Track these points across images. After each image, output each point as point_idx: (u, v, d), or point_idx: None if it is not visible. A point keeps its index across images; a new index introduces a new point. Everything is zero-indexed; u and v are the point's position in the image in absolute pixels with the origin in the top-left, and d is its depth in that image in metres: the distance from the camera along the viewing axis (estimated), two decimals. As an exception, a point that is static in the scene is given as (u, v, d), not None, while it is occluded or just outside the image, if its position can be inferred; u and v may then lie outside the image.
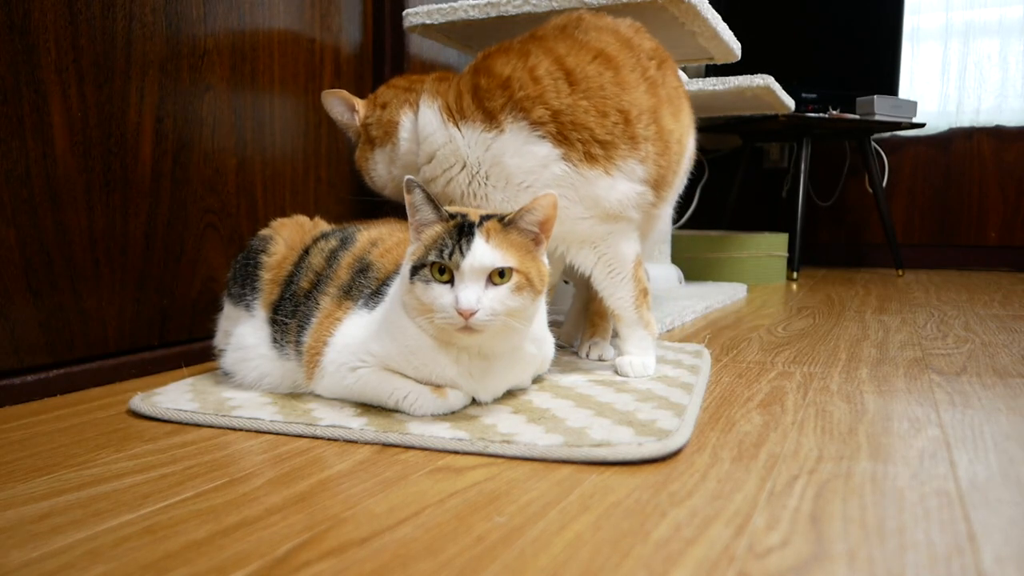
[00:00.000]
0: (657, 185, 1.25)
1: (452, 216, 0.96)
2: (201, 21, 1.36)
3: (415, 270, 0.94)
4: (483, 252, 0.91)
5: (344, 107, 1.33)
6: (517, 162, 1.18)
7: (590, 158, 1.18)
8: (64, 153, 1.15)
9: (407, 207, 0.97)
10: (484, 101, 1.18)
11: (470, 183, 1.21)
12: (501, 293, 0.92)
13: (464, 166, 1.21)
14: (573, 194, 1.19)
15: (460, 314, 0.90)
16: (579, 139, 1.17)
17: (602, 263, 1.25)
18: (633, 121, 1.19)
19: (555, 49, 1.20)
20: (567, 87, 1.17)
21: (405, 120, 1.27)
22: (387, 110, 1.29)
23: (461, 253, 0.91)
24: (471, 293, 0.90)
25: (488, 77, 1.19)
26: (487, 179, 1.20)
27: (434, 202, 0.96)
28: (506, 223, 0.95)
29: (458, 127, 1.20)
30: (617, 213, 1.21)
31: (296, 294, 1.11)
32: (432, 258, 0.92)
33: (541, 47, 1.21)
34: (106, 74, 1.20)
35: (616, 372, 1.24)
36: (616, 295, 1.25)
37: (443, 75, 1.29)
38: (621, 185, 1.20)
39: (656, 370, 1.24)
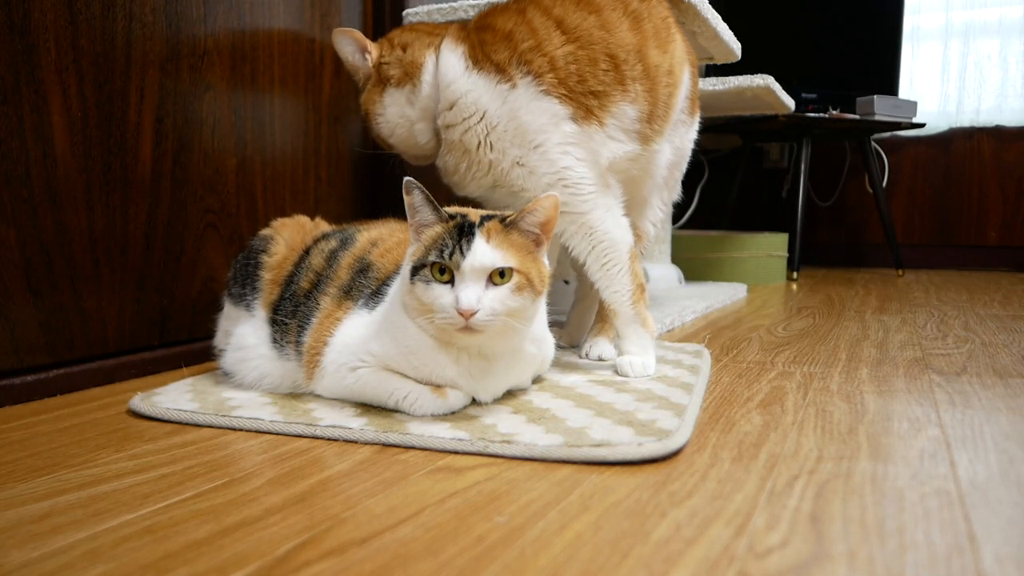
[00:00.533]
0: (648, 119, 1.27)
1: (452, 217, 0.96)
2: (201, 21, 1.36)
3: (415, 270, 0.94)
4: (483, 252, 0.91)
5: (355, 47, 1.31)
6: (530, 119, 1.20)
7: (587, 112, 1.21)
8: (64, 153, 1.15)
9: (407, 208, 0.97)
10: (491, 54, 1.21)
11: (488, 134, 1.23)
12: (501, 293, 0.92)
13: (483, 117, 1.22)
14: (581, 152, 1.22)
15: (460, 314, 0.90)
16: (580, 92, 1.20)
17: (596, 252, 1.25)
18: (621, 64, 1.22)
19: (542, 1, 1.24)
20: (560, 35, 1.21)
21: (429, 63, 1.26)
22: (409, 51, 1.28)
23: (461, 253, 0.91)
24: (471, 293, 0.90)
25: (492, 32, 1.23)
26: (505, 133, 1.22)
27: (433, 203, 0.96)
28: (507, 224, 0.95)
29: (479, 75, 1.22)
30: (604, 173, 1.25)
31: (296, 294, 1.11)
32: (432, 258, 0.92)
33: (531, 2, 1.25)
34: (106, 74, 1.20)
35: (616, 372, 1.23)
36: (612, 288, 1.26)
37: (464, 25, 1.30)
38: (612, 144, 1.24)
39: (656, 370, 1.24)
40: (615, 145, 1.25)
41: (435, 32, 1.30)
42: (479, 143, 1.23)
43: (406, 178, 0.96)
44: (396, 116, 1.30)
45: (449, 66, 1.23)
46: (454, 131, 1.25)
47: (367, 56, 1.31)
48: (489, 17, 1.26)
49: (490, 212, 0.99)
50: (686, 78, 1.37)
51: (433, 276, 0.92)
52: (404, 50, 1.29)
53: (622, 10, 1.24)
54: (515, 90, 1.20)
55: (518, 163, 1.23)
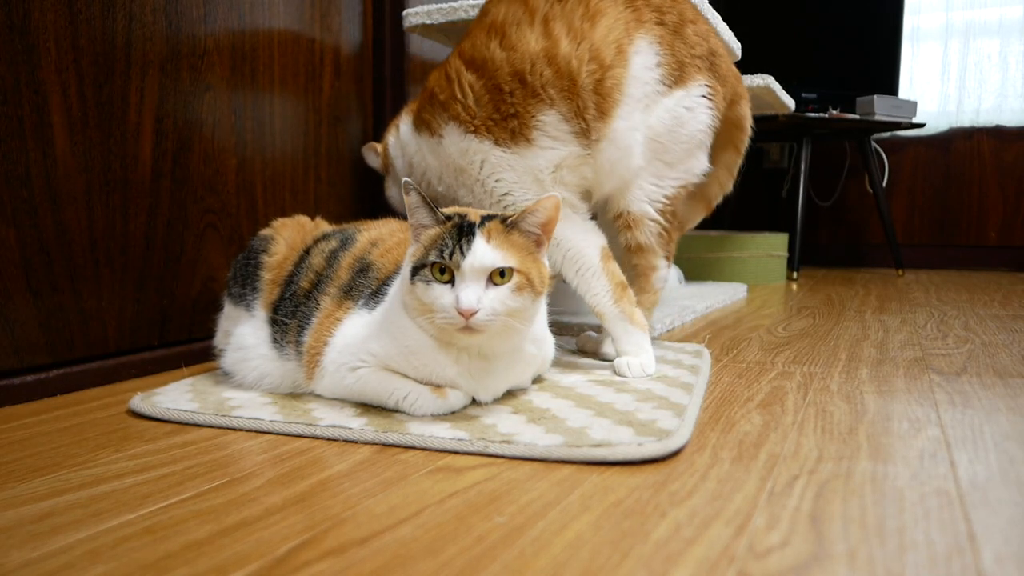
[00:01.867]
0: (577, 115, 1.23)
1: (449, 218, 0.96)
2: (201, 21, 1.36)
3: (415, 271, 0.94)
4: (484, 252, 0.91)
5: (374, 154, 1.51)
6: (461, 160, 1.28)
7: (512, 134, 1.24)
8: (64, 153, 1.15)
9: (407, 209, 0.97)
10: (423, 115, 1.33)
11: (438, 184, 1.34)
12: (502, 293, 0.92)
13: (432, 169, 1.35)
14: (515, 175, 1.26)
15: (461, 314, 0.90)
16: (498, 120, 1.24)
17: (567, 260, 1.27)
18: (527, 76, 1.22)
19: (462, 43, 1.30)
20: (469, 73, 1.25)
21: (391, 139, 1.44)
22: (383, 140, 1.48)
23: (462, 253, 0.91)
24: (472, 293, 0.90)
25: (424, 93, 1.34)
26: (452, 177, 1.32)
27: (431, 205, 0.96)
28: (508, 224, 0.95)
29: (420, 137, 1.35)
30: (551, 184, 1.27)
31: (296, 294, 1.11)
32: (432, 258, 0.92)
33: (457, 47, 1.31)
34: (106, 74, 1.20)
35: (615, 372, 1.23)
36: (591, 291, 1.27)
37: (422, 92, 1.41)
38: (548, 153, 1.25)
39: (656, 369, 1.24)
40: (551, 153, 1.25)
41: (401, 112, 1.45)
42: (441, 190, 1.36)
43: (404, 179, 0.96)
44: (396, 196, 1.48)
45: (404, 136, 1.39)
46: (425, 186, 1.38)
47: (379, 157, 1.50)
48: (428, 80, 1.35)
49: (491, 212, 0.99)
50: (633, 52, 1.25)
51: (433, 276, 0.92)
52: (383, 139, 1.48)
53: (529, 20, 1.24)
54: (443, 139, 1.29)
55: (471, 199, 1.31)
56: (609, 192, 1.34)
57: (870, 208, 3.74)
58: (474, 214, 0.97)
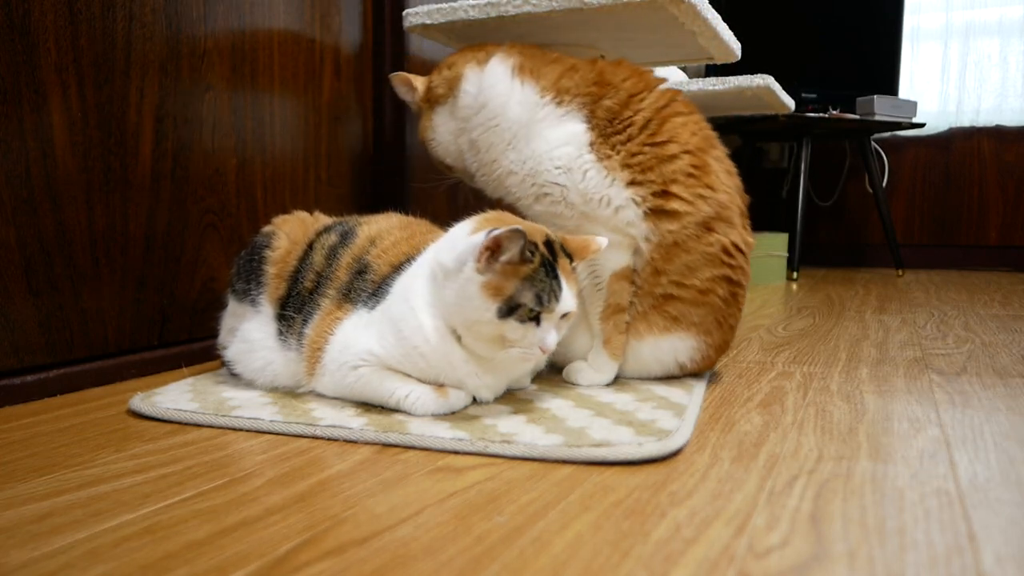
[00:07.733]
0: None
1: (535, 249, 0.95)
2: (201, 21, 1.36)
3: (509, 310, 0.93)
4: (568, 298, 0.96)
5: (404, 87, 1.37)
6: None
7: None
8: (64, 153, 1.15)
9: (495, 250, 0.93)
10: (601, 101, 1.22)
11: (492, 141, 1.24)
12: (563, 327, 0.99)
13: (505, 122, 1.23)
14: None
15: (542, 351, 0.95)
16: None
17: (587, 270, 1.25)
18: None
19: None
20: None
21: (470, 73, 1.27)
22: (453, 68, 1.31)
23: (556, 299, 0.94)
24: (555, 335, 0.96)
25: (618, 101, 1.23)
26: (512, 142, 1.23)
27: (526, 244, 0.93)
28: (574, 268, 1.01)
29: (522, 84, 1.22)
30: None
31: (300, 293, 1.11)
32: (530, 304, 0.93)
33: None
34: (106, 74, 1.20)
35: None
36: (590, 303, 1.23)
37: (525, 49, 1.30)
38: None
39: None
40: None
41: (484, 48, 1.33)
42: (481, 146, 1.30)
43: (512, 228, 0.90)
44: (446, 135, 1.34)
45: (493, 74, 1.28)
46: (473, 133, 1.29)
47: (414, 92, 1.35)
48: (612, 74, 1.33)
49: (549, 235, 1.00)
50: None
51: (525, 316, 0.94)
52: (449, 68, 1.32)
53: None
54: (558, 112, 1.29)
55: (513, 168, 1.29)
56: None
57: (870, 208, 3.74)
58: (540, 236, 0.97)
